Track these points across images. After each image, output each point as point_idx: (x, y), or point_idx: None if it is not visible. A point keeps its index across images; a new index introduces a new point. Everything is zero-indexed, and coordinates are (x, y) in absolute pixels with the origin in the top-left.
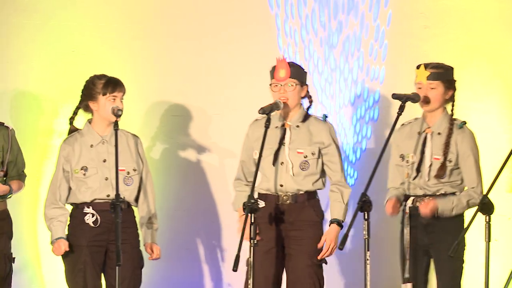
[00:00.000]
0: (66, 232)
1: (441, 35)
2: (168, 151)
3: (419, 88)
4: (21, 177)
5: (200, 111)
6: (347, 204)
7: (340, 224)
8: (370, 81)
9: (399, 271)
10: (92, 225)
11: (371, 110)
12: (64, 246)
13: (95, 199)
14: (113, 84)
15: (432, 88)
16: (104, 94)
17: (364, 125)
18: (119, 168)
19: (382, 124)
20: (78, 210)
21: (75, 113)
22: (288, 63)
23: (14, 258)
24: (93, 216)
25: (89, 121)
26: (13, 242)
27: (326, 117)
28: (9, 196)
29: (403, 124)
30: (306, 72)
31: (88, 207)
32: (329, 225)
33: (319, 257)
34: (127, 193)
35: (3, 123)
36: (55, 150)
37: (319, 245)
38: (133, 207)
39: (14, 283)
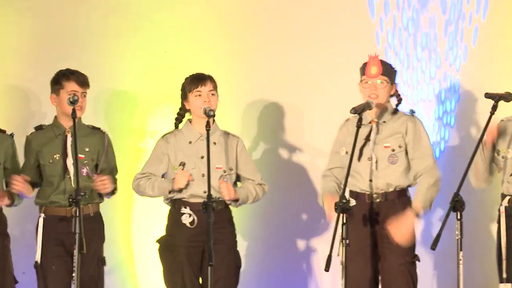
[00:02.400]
0: (164, 233)
1: None
2: (262, 151)
3: None
4: (115, 181)
5: (293, 111)
6: (430, 189)
7: (417, 214)
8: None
9: (493, 271)
10: (188, 225)
11: (457, 104)
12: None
13: (192, 194)
14: (195, 80)
15: None
16: (190, 91)
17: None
18: (216, 166)
19: (465, 119)
20: (175, 210)
21: (179, 114)
22: (380, 60)
23: (104, 258)
24: (190, 217)
25: (189, 120)
26: (106, 243)
27: (413, 112)
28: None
29: (502, 120)
30: (396, 71)
31: (185, 208)
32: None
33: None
34: (219, 194)
35: (99, 128)
36: (148, 151)
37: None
38: (231, 207)
39: (108, 284)
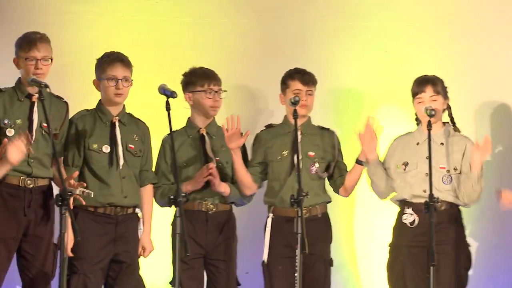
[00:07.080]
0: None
1: None
2: (493, 152)
3: None
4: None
5: None
6: None
7: None
8: None
9: None
10: (408, 225)
11: None
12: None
13: (413, 195)
14: (417, 86)
15: None
16: (413, 96)
17: None
18: (440, 166)
19: None
20: (400, 211)
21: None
22: None
23: (331, 259)
24: (411, 216)
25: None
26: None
27: None
28: None
29: None
30: None
31: (408, 208)
32: None
33: None
34: (442, 193)
35: (329, 129)
36: None
37: None
38: (461, 207)
39: (332, 283)
